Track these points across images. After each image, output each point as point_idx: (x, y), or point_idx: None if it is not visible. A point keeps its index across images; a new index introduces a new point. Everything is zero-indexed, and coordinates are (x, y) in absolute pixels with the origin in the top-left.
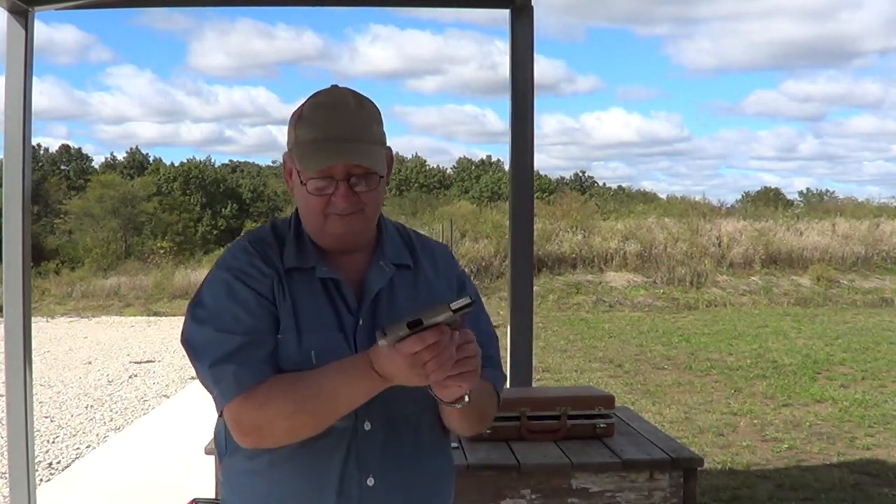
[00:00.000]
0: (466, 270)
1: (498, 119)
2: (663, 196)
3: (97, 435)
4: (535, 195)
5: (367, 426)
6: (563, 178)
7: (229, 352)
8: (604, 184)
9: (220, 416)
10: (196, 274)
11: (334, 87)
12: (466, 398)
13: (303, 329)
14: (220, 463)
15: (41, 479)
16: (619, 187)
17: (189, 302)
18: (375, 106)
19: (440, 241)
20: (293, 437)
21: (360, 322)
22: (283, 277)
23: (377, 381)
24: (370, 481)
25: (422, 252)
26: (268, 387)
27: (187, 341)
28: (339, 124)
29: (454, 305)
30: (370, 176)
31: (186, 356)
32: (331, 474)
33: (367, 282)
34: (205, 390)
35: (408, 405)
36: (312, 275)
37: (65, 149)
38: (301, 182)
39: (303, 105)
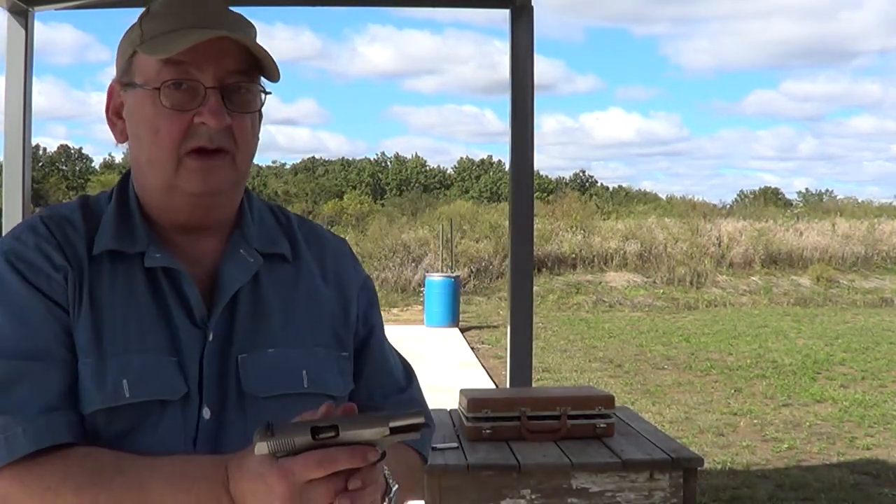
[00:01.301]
0: (466, 271)
1: (497, 119)
2: (663, 196)
3: None
4: (535, 195)
5: None
6: (562, 178)
7: None
8: (602, 184)
9: None
10: None
11: None
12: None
13: (107, 347)
14: None
15: None
16: (619, 187)
17: None
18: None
19: (446, 239)
20: None
21: (210, 338)
22: (84, 271)
23: None
24: None
25: (307, 243)
26: (58, 468)
27: None
28: (207, 11)
29: (394, 422)
30: (251, 88)
31: None
32: None
33: (220, 276)
34: None
35: None
36: (137, 264)
37: (64, 149)
38: (153, 88)
39: (146, 8)
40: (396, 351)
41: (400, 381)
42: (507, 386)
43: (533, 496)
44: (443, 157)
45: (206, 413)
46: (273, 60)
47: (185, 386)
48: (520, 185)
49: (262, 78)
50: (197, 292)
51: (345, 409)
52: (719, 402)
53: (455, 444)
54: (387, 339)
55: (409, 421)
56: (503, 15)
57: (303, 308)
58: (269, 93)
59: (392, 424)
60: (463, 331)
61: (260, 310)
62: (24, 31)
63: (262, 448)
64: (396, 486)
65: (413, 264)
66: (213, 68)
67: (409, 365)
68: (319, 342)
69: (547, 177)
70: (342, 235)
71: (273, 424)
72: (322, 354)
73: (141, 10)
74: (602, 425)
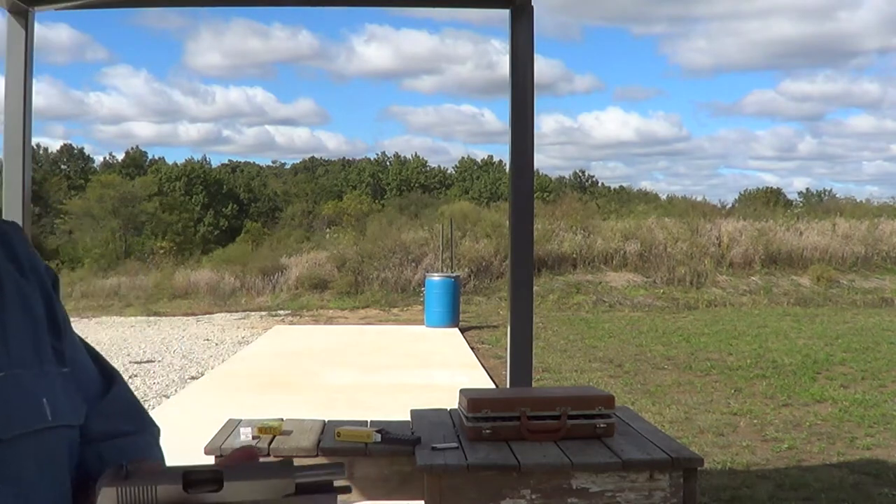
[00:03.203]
0: (466, 271)
1: (496, 119)
2: (663, 196)
3: None
4: (535, 195)
5: None
6: (562, 178)
7: None
8: (602, 183)
9: None
10: (196, 274)
11: None
12: None
13: None
14: None
15: None
16: (620, 187)
17: None
18: None
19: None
20: None
21: None
22: None
23: None
24: None
25: None
26: None
27: None
28: None
29: (303, 478)
30: None
31: (185, 356)
32: None
33: None
34: (206, 390)
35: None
36: None
37: (66, 148)
38: None
39: None
40: (86, 343)
41: (96, 383)
42: (507, 386)
43: (533, 496)
44: (442, 158)
45: None
46: None
47: None
48: (520, 185)
49: None
50: None
51: (242, 455)
52: (719, 402)
53: (455, 444)
54: (76, 334)
55: (321, 478)
56: (500, 14)
57: (17, 318)
58: None
59: (300, 480)
60: (463, 331)
61: None
62: (24, 31)
63: (108, 496)
64: None
65: (413, 264)
66: None
67: (103, 360)
68: (45, 359)
69: (547, 177)
70: (342, 235)
71: (129, 466)
72: (53, 375)
73: (139, 9)
74: (602, 425)
